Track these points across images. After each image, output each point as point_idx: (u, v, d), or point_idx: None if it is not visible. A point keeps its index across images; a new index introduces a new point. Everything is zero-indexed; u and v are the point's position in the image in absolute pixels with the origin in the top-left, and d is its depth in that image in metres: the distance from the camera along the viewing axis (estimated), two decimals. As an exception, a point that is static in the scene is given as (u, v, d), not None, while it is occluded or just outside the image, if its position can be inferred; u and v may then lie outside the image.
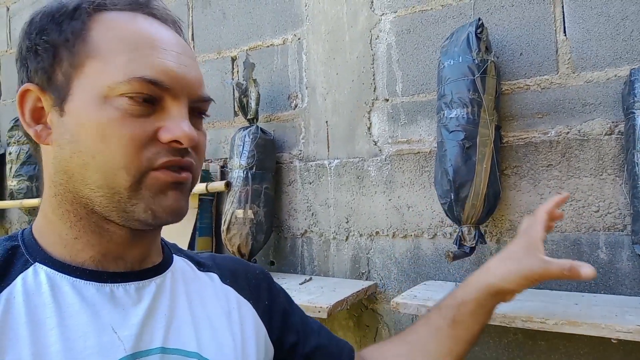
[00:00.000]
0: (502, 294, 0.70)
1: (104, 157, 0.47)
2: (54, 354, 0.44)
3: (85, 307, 0.48)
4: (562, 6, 1.39)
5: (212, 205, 2.01)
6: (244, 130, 1.81)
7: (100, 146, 0.47)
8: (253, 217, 1.73)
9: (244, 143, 1.78)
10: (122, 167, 0.47)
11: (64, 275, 0.49)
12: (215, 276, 0.65)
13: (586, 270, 0.61)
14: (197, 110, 0.55)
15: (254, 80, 1.82)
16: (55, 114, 0.50)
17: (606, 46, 1.33)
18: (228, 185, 1.78)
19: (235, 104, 1.94)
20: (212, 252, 1.81)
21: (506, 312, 1.17)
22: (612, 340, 1.14)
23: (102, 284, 0.51)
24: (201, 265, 0.66)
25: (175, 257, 0.63)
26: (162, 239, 0.64)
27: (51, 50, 0.50)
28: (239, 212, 1.74)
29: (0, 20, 2.75)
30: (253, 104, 1.82)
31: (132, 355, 0.48)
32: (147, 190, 0.49)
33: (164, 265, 0.59)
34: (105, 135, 0.47)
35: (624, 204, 1.30)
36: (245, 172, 1.75)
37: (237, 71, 2.04)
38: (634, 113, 1.17)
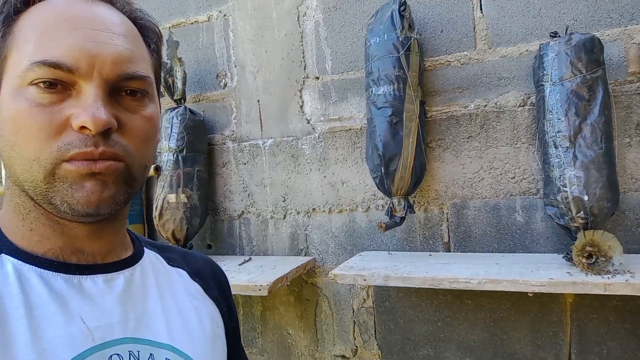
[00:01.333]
0: None
1: (20, 149, 0.47)
2: (22, 344, 0.44)
3: (54, 298, 0.48)
4: (478, -16, 1.46)
5: (141, 191, 1.94)
6: (171, 111, 1.74)
7: (15, 139, 0.47)
8: (186, 201, 1.70)
9: (172, 125, 1.72)
10: (34, 159, 0.46)
11: (31, 266, 0.49)
12: (184, 272, 0.66)
13: None
14: (125, 89, 0.50)
15: (179, 59, 1.76)
16: None
17: (518, 23, 1.42)
18: (158, 169, 1.72)
19: (160, 85, 1.85)
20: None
21: (435, 275, 1.25)
22: (529, 294, 1.26)
23: (70, 275, 0.50)
24: (171, 260, 0.66)
25: (146, 250, 0.63)
26: (133, 232, 0.64)
27: None
28: (171, 197, 1.69)
29: None
30: (179, 84, 1.75)
31: (101, 345, 0.48)
32: (60, 182, 0.47)
33: (133, 259, 0.58)
34: (17, 127, 0.46)
35: (536, 170, 1.42)
36: (175, 155, 1.70)
37: (161, 50, 1.95)
38: (543, 85, 1.27)
